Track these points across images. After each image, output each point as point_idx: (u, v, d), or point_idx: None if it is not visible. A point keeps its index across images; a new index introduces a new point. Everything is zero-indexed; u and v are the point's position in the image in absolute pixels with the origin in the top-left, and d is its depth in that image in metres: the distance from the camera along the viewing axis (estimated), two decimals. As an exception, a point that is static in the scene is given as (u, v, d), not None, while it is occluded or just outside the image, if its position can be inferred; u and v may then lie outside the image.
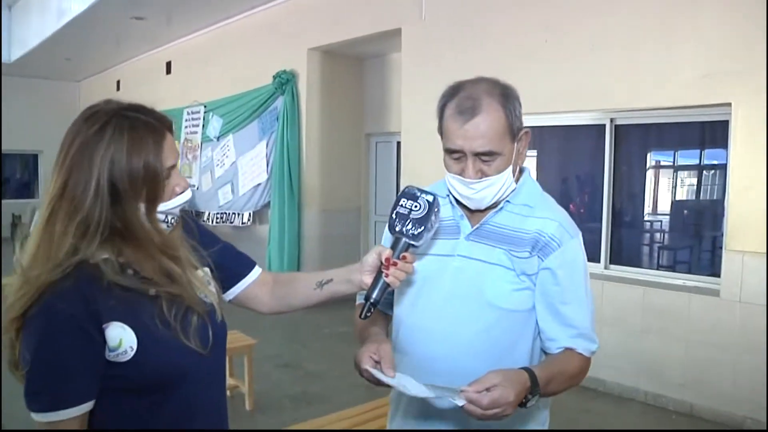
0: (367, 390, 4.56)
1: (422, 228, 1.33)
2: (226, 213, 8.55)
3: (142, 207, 1.19)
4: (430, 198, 1.35)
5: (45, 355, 1.12)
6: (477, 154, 1.39)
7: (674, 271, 4.83)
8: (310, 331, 6.28)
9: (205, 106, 9.10)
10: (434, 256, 1.50)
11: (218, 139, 8.82)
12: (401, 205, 1.36)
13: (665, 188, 5.17)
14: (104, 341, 1.15)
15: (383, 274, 1.31)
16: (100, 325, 1.14)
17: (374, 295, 1.32)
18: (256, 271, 1.52)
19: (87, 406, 1.16)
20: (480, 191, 1.42)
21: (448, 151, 1.43)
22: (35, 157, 14.56)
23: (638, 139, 5.04)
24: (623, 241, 5.09)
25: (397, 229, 1.34)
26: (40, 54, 11.31)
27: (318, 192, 7.79)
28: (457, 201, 1.51)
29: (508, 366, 1.37)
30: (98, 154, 1.15)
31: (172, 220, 1.28)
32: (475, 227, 1.48)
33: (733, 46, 3.97)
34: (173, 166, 1.25)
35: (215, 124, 8.85)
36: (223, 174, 8.70)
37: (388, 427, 1.66)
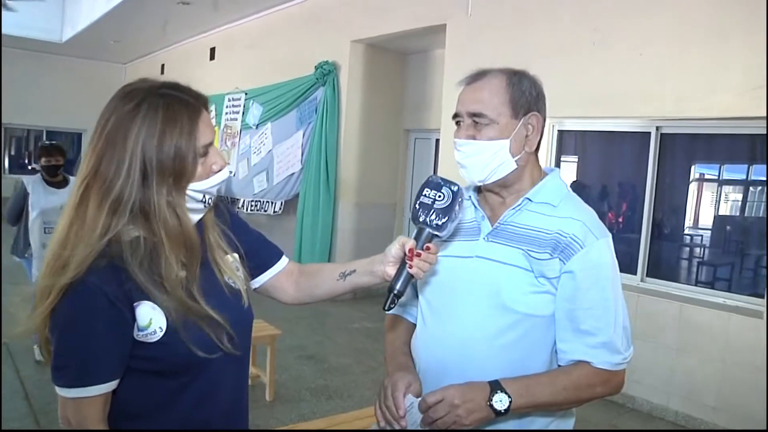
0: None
1: (446, 218, 1.29)
2: (260, 201, 8.58)
3: (168, 188, 1.17)
4: (454, 188, 1.31)
5: (75, 330, 1.12)
6: (471, 116, 1.40)
7: (713, 288, 4.64)
8: (337, 324, 6.26)
9: (246, 93, 9.14)
10: (453, 257, 1.45)
11: (257, 126, 8.85)
12: (424, 195, 1.32)
13: (708, 202, 4.99)
14: (134, 320, 1.14)
15: (407, 265, 1.28)
16: (131, 303, 1.14)
17: (398, 287, 1.28)
18: (283, 261, 1.52)
19: (112, 384, 1.16)
20: (469, 156, 1.41)
21: (454, 119, 1.45)
22: (79, 135, 14.89)
23: (683, 150, 4.86)
24: (662, 254, 4.93)
25: (421, 219, 1.31)
26: (90, 35, 11.53)
27: (353, 185, 7.75)
28: (479, 203, 1.49)
29: (521, 373, 1.35)
30: (132, 131, 1.15)
31: (210, 200, 1.26)
32: (493, 227, 1.44)
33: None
34: (210, 144, 1.24)
35: (255, 112, 8.88)
36: (259, 162, 8.72)
37: None
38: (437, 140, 7.25)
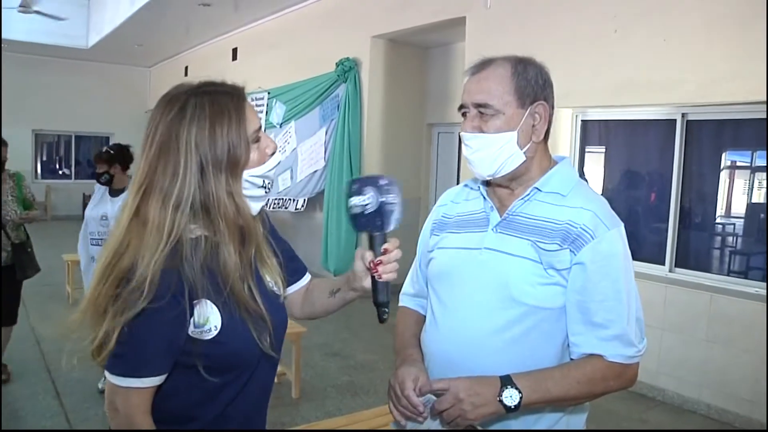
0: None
1: (382, 216, 1.24)
2: (283, 199, 8.61)
3: (226, 178, 1.20)
4: (371, 180, 1.25)
5: (138, 323, 1.13)
6: (476, 106, 1.37)
7: (746, 277, 4.52)
8: (362, 321, 6.24)
9: (268, 93, 9.18)
10: (461, 249, 1.44)
11: (281, 125, 8.88)
12: (353, 206, 1.26)
13: (740, 190, 4.86)
14: (191, 317, 1.18)
15: (376, 276, 1.25)
16: (192, 300, 1.17)
17: (380, 298, 1.27)
18: (306, 278, 1.54)
19: (161, 379, 1.19)
20: (476, 151, 1.38)
21: (460, 110, 1.43)
22: (107, 139, 15.12)
23: (711, 137, 4.75)
24: (691, 244, 4.82)
25: (360, 229, 1.27)
26: (114, 40, 11.68)
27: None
28: (488, 194, 1.47)
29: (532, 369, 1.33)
30: (183, 133, 1.17)
31: (269, 185, 1.29)
32: (502, 218, 1.41)
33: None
34: (259, 128, 1.26)
35: (278, 111, 8.92)
36: (284, 160, 8.74)
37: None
38: (460, 134, 7.20)
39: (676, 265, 4.69)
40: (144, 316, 1.12)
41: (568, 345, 1.37)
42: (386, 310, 1.27)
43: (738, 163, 4.91)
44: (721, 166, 4.78)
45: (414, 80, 7.95)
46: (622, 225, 1.37)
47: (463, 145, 1.42)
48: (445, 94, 7.69)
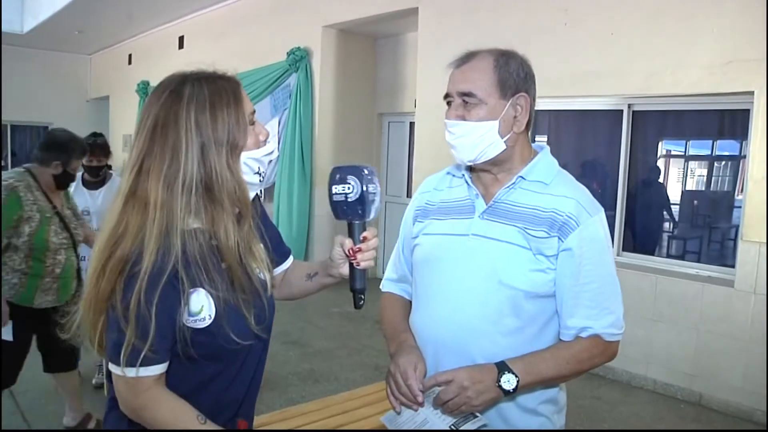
0: (374, 369, 4.61)
1: (363, 205, 1.29)
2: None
3: (226, 156, 1.20)
4: (354, 170, 1.30)
5: (140, 312, 1.13)
6: (460, 95, 1.43)
7: (683, 259, 4.79)
8: (318, 309, 6.30)
9: (217, 82, 9.02)
10: (448, 235, 1.48)
11: (230, 115, 8.75)
12: (335, 194, 1.30)
13: (675, 178, 5.13)
14: (185, 306, 1.18)
15: (354, 263, 1.30)
16: (187, 289, 1.17)
17: (358, 285, 1.32)
18: (290, 261, 1.56)
19: (164, 367, 1.19)
20: (459, 137, 1.44)
21: (445, 99, 1.48)
22: (45, 128, 14.54)
23: (652, 127, 4.98)
24: (636, 229, 5.05)
25: (341, 217, 1.31)
26: (52, 26, 11.21)
27: (329, 171, 7.72)
28: (472, 181, 1.52)
29: (522, 353, 1.39)
30: (182, 111, 1.17)
31: (263, 174, 1.29)
32: (488, 205, 1.46)
33: (757, 32, 3.88)
34: (253, 113, 1.28)
35: (227, 101, 8.79)
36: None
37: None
38: (411, 123, 7.27)
39: (623, 249, 4.91)
40: (143, 305, 1.12)
41: (559, 328, 1.44)
42: (362, 297, 1.32)
43: (672, 152, 5.17)
44: (658, 155, 5.03)
45: (365, 70, 7.99)
46: (602, 210, 1.45)
47: (446, 131, 1.47)
48: (395, 84, 7.76)
